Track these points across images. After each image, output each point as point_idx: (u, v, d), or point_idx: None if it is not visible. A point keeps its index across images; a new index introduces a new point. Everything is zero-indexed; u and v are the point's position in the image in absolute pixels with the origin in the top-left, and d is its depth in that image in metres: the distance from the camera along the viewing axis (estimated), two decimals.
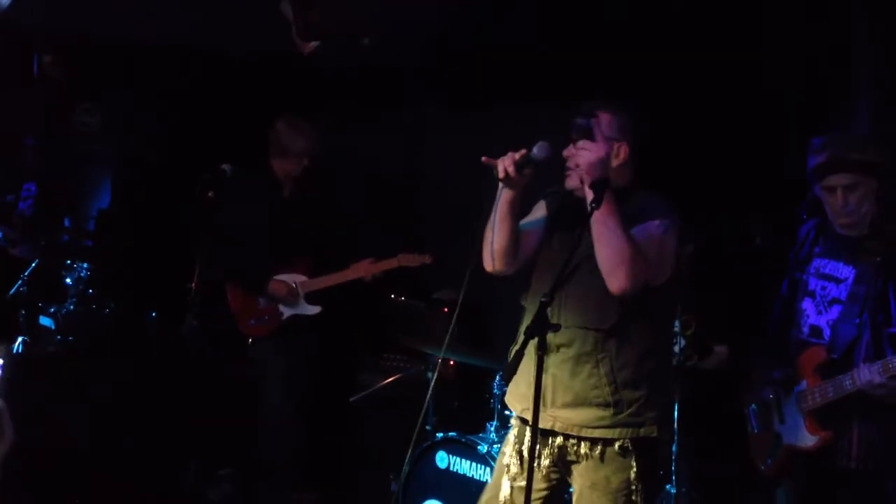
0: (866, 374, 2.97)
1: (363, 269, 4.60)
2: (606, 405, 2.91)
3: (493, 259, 3.04)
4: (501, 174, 2.84)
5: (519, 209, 3.00)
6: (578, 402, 2.94)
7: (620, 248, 2.75)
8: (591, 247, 2.82)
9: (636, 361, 2.92)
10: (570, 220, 2.99)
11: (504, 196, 2.93)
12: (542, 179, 3.01)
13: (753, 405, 3.47)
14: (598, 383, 2.91)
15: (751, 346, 3.56)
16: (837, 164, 3.12)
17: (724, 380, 3.96)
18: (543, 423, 2.96)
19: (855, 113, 4.07)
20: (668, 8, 4.39)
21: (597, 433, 2.92)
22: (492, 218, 2.98)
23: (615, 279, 2.77)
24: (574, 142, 2.94)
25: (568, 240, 2.90)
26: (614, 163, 2.92)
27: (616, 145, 2.94)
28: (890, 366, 2.93)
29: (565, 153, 2.98)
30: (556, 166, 3.01)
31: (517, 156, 2.83)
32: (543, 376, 2.88)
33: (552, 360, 2.94)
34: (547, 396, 2.96)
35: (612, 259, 2.76)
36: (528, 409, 2.82)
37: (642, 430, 2.92)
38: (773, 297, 3.47)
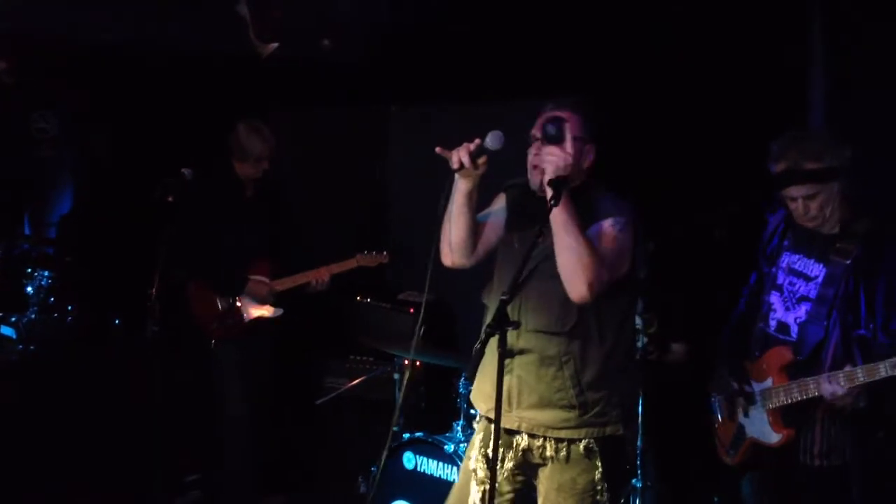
0: (829, 387, 2.96)
1: (324, 270, 4.61)
2: (571, 407, 2.91)
3: (451, 252, 3.06)
4: (456, 164, 2.84)
5: (475, 201, 3.00)
6: (544, 404, 2.93)
7: (580, 255, 2.74)
8: (550, 247, 2.81)
9: (599, 361, 2.91)
10: (529, 216, 2.97)
11: (460, 187, 2.95)
12: (502, 173, 3.01)
13: (717, 396, 3.47)
14: (562, 385, 2.91)
15: (715, 338, 3.55)
16: (793, 176, 3.07)
17: (687, 374, 3.99)
18: (509, 424, 2.96)
19: (810, 104, 4.10)
20: (626, 6, 4.42)
21: (562, 434, 2.93)
22: (448, 210, 2.99)
23: (575, 286, 2.77)
24: (540, 146, 2.90)
25: (527, 237, 2.89)
26: (585, 164, 2.92)
27: (586, 147, 2.93)
28: (853, 375, 2.92)
29: (530, 160, 2.96)
30: (517, 162, 3.01)
31: (471, 146, 2.84)
32: (509, 377, 2.92)
33: (517, 362, 2.94)
34: (513, 397, 2.96)
35: (572, 266, 2.76)
36: (493, 408, 2.77)
37: (608, 430, 2.93)
38: (733, 290, 3.48)
